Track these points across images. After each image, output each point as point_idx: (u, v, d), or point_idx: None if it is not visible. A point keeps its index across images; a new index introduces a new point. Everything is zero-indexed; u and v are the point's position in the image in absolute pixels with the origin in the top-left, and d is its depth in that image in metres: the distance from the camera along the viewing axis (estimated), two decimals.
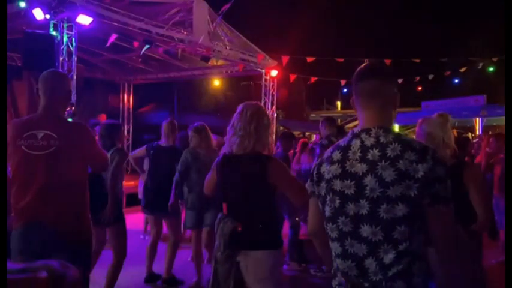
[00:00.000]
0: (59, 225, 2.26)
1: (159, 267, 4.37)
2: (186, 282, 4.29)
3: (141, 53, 8.25)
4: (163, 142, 4.40)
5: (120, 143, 3.89)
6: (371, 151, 1.38)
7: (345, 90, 17.11)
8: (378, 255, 1.34)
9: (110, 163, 3.25)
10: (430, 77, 11.97)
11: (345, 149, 1.45)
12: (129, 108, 12.35)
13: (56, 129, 2.29)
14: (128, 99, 12.30)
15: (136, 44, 8.09)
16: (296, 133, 17.78)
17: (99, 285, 3.54)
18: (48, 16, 5.77)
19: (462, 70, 11.78)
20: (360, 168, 1.38)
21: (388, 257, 1.33)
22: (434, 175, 1.31)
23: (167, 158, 4.17)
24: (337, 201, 1.43)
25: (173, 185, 4.03)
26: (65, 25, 5.90)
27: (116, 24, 6.60)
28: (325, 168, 1.49)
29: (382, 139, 1.39)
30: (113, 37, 7.29)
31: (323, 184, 1.49)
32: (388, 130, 1.41)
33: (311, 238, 1.65)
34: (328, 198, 1.46)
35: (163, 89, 14.15)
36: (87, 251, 2.46)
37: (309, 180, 1.59)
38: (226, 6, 8.31)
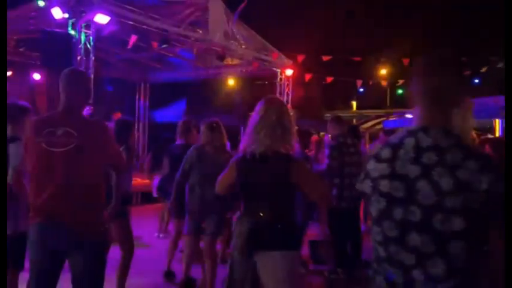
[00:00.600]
0: (76, 223, 2.26)
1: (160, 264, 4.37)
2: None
3: (158, 47, 8.27)
4: (178, 142, 4.41)
5: (131, 141, 3.88)
6: (427, 153, 1.26)
7: (361, 89, 16.92)
8: (427, 268, 1.23)
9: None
10: None
11: (396, 147, 1.33)
12: (145, 107, 12.45)
13: (76, 126, 2.29)
14: (144, 98, 12.40)
15: (155, 44, 8.14)
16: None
17: (107, 281, 3.55)
18: (66, 15, 5.85)
19: (483, 70, 11.54)
20: (412, 170, 1.27)
21: (439, 271, 1.21)
22: (497, 189, 1.19)
23: (182, 157, 4.13)
24: (383, 203, 1.32)
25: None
26: (83, 24, 5.97)
27: (133, 23, 6.65)
28: (372, 165, 1.39)
29: (441, 142, 1.27)
30: (133, 38, 7.34)
31: (368, 182, 1.39)
32: (449, 132, 1.29)
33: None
34: (373, 198, 1.36)
35: (178, 89, 14.22)
36: (103, 250, 2.47)
37: (359, 179, 1.50)
38: (242, 6, 8.30)
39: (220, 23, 8.06)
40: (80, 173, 2.29)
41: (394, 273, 1.29)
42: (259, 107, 2.27)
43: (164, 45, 7.64)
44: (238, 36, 8.65)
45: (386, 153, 1.35)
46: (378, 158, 1.37)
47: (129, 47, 7.60)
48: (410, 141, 1.31)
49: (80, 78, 2.49)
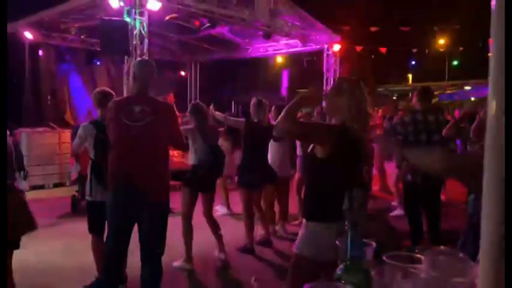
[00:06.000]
0: (148, 188, 2.67)
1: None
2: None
3: (201, 29, 8.53)
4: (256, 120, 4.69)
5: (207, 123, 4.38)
6: None
7: (413, 62, 16.13)
8: None
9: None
10: None
11: None
12: (196, 87, 12.92)
13: (150, 105, 2.73)
14: (195, 79, 12.85)
15: (197, 22, 8.43)
16: None
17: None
18: (122, 3, 6.24)
19: None
20: None
21: None
22: None
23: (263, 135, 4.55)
24: None
25: None
26: (137, 11, 6.34)
27: (182, 7, 6.95)
28: None
29: None
30: (170, 15, 7.68)
31: None
32: None
33: None
34: None
35: (227, 68, 14.54)
36: (167, 212, 2.87)
37: None
38: None
39: (266, 1, 8.15)
40: (152, 144, 2.72)
41: None
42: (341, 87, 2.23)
43: (206, 26, 7.88)
44: (284, 14, 8.68)
45: None
46: None
47: (165, 19, 7.89)
48: None
49: (149, 67, 2.91)
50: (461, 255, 0.93)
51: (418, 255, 0.95)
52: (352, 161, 2.20)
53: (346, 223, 0.93)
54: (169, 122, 2.84)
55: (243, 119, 4.78)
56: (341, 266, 0.90)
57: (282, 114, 2.14)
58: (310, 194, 2.28)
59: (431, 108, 4.23)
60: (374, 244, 1.01)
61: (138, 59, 5.84)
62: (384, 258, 0.94)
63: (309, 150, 2.30)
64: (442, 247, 0.99)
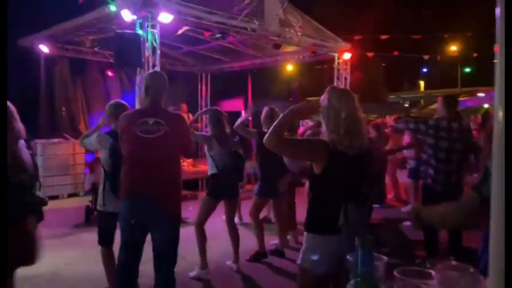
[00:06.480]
0: (162, 198, 2.70)
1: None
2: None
3: (212, 38, 8.68)
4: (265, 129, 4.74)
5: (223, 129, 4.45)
6: None
7: (425, 70, 16.05)
8: None
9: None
10: None
11: None
12: (207, 97, 13.02)
13: (163, 117, 2.78)
14: (205, 89, 12.96)
15: (206, 34, 8.55)
16: (373, 116, 17.26)
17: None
18: (135, 17, 6.35)
19: None
20: None
21: None
22: None
23: None
24: None
25: None
26: (149, 24, 6.45)
27: (193, 19, 7.05)
28: None
29: None
30: (184, 28, 7.81)
31: None
32: None
33: None
34: None
35: (238, 78, 14.64)
36: (179, 223, 2.90)
37: None
38: None
39: (275, 11, 8.21)
40: (166, 155, 2.77)
41: None
42: (331, 103, 2.12)
43: (218, 36, 7.99)
44: (293, 23, 8.73)
45: None
46: None
47: (178, 33, 8.03)
48: None
49: (162, 79, 2.97)
50: (471, 270, 0.93)
51: (429, 271, 0.96)
52: (346, 176, 2.13)
53: (356, 239, 0.95)
54: (182, 133, 2.89)
55: (255, 130, 4.83)
56: (351, 282, 0.91)
57: (269, 130, 2.02)
58: (309, 206, 2.29)
59: (455, 116, 4.20)
60: (385, 259, 1.02)
61: (150, 71, 5.94)
62: (395, 273, 0.94)
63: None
64: (452, 262, 0.99)
